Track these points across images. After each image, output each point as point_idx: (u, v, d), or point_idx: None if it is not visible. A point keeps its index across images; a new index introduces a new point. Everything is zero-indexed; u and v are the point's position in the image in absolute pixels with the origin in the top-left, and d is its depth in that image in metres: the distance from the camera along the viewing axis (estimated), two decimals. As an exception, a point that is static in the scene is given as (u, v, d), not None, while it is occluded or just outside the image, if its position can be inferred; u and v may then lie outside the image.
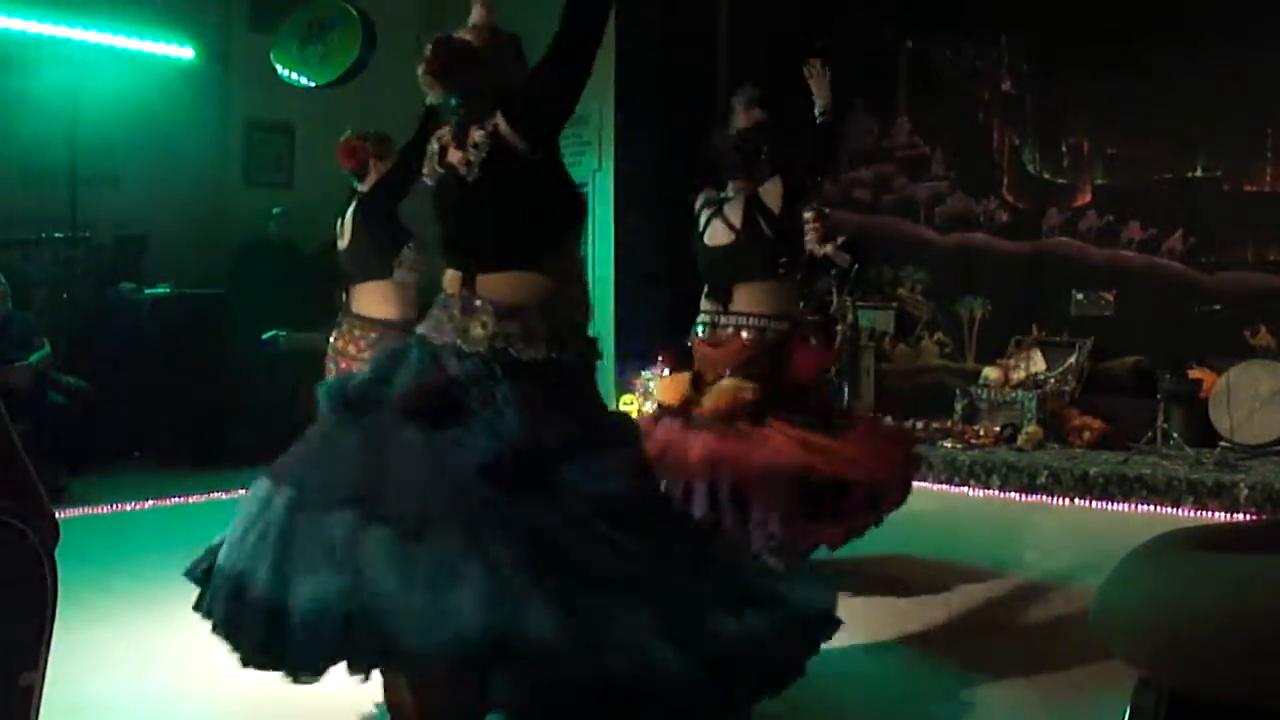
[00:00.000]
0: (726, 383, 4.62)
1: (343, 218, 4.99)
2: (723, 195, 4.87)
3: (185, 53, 8.69)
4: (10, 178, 7.84)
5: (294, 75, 5.45)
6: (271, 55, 5.52)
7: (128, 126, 8.24)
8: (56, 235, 7.82)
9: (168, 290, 8.07)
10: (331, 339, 4.94)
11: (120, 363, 7.52)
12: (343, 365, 4.75)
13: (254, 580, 2.80)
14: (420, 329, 3.09)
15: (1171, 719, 0.94)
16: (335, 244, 5.08)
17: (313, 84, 5.44)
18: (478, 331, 2.91)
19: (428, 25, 9.51)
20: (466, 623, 2.53)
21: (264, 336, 7.97)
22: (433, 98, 3.10)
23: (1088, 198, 8.96)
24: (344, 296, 4.99)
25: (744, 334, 4.69)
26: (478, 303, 2.95)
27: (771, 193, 4.71)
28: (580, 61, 2.97)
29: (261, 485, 3.06)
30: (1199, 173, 8.43)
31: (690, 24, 9.72)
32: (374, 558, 2.64)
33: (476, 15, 3.16)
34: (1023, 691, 3.61)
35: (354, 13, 5.35)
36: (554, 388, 2.94)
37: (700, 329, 4.84)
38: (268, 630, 2.76)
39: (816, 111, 4.82)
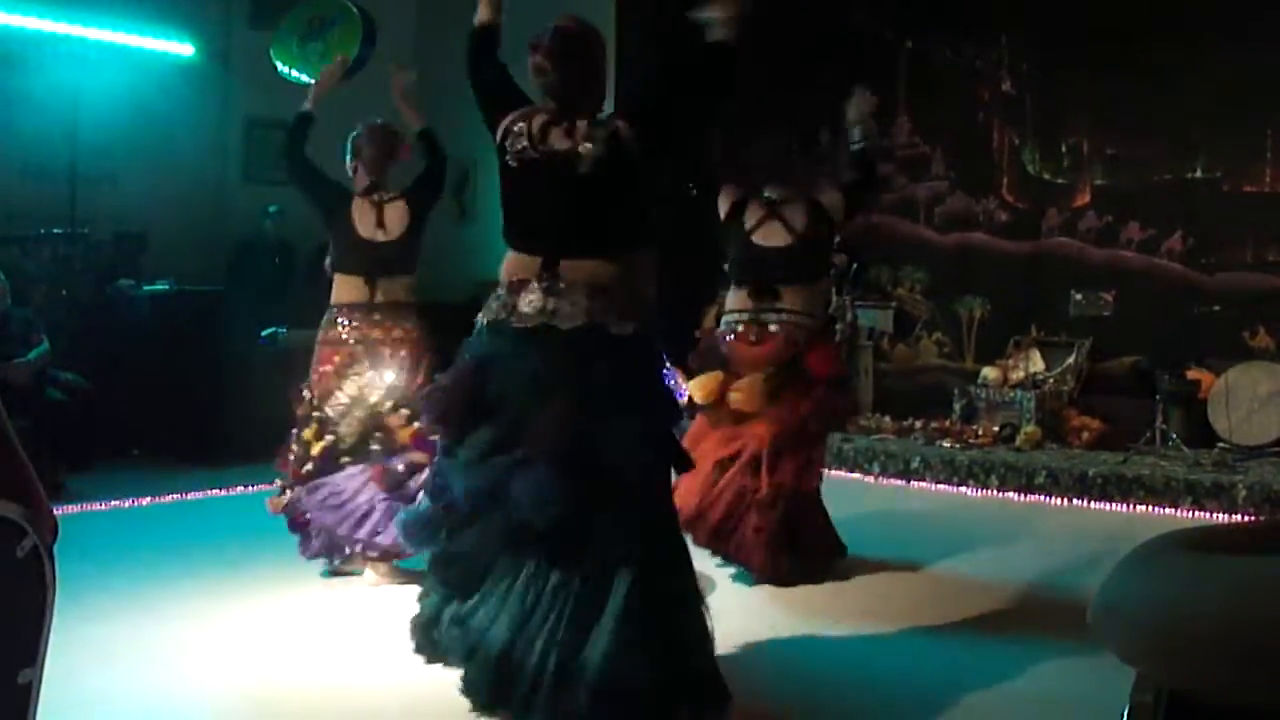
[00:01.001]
0: (750, 381, 4.68)
1: (377, 207, 4.92)
2: (769, 195, 4.90)
3: (185, 50, 8.69)
4: (10, 174, 7.84)
5: (294, 73, 5.45)
6: (271, 53, 5.53)
7: (127, 123, 8.24)
8: (56, 231, 7.83)
9: (167, 287, 8.07)
10: (360, 331, 4.88)
11: (119, 360, 7.52)
12: (385, 351, 4.86)
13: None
14: (487, 315, 3.15)
15: (1171, 719, 0.94)
16: (355, 232, 4.94)
17: (313, 81, 5.44)
18: (568, 309, 3.02)
19: (428, 23, 9.52)
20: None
21: (263, 333, 7.96)
22: (539, 83, 3.19)
23: (1087, 198, 8.95)
24: (370, 289, 4.89)
25: (789, 329, 4.73)
26: (563, 285, 3.04)
27: (832, 202, 4.77)
28: (710, 104, 3.23)
29: None
30: (1198, 173, 8.43)
31: (691, 24, 9.71)
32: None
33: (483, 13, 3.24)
34: (1021, 691, 3.62)
35: (354, 10, 5.36)
36: (642, 361, 3.13)
37: (738, 326, 4.83)
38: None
39: (854, 137, 4.94)
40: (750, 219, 4.88)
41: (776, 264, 4.82)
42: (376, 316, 4.88)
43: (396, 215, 4.93)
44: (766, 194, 4.95)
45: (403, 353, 4.86)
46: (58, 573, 1.62)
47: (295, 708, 3.43)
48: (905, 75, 9.71)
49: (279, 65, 5.48)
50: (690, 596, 3.12)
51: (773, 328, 4.75)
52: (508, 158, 3.16)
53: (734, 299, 4.90)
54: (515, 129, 3.15)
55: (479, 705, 3.06)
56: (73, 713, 3.11)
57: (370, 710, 3.42)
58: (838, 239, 6.40)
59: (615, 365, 3.03)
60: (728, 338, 4.86)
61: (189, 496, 6.65)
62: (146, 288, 8.03)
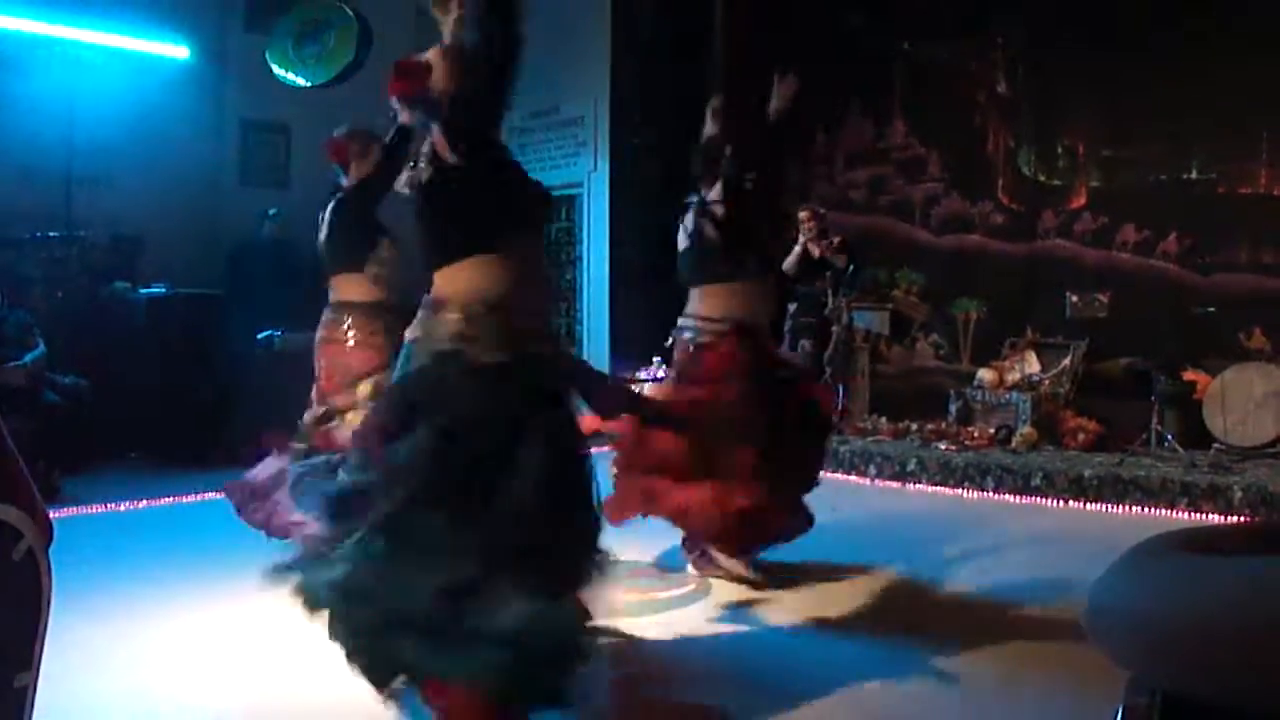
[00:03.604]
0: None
1: (324, 212, 5.08)
2: (691, 199, 4.93)
3: (181, 52, 8.68)
4: (6, 176, 7.83)
5: (289, 75, 5.46)
6: (267, 55, 5.53)
7: (123, 126, 8.23)
8: (52, 234, 7.82)
9: (163, 290, 8.06)
10: (318, 330, 5.04)
11: (115, 362, 7.51)
12: (329, 350, 4.94)
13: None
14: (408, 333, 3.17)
15: (1165, 719, 0.94)
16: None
17: (308, 84, 5.45)
18: (441, 331, 3.01)
19: (424, 26, 9.52)
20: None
21: (259, 336, 7.96)
22: (402, 118, 3.18)
23: (1083, 200, 8.97)
24: (326, 288, 5.09)
25: (685, 335, 4.75)
26: (436, 300, 3.05)
27: (715, 196, 4.77)
28: (496, 40, 3.01)
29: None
30: (1194, 175, 8.44)
31: (685, 25, 9.72)
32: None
33: (446, 35, 3.19)
34: (1017, 692, 3.62)
35: (349, 13, 5.36)
36: (501, 390, 2.99)
37: (676, 334, 4.91)
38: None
39: (770, 111, 4.91)
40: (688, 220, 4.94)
41: (681, 268, 4.91)
42: (326, 316, 5.02)
43: (327, 216, 5.04)
44: (691, 198, 4.97)
45: (330, 350, 4.94)
46: (53, 576, 1.61)
47: (294, 710, 3.43)
48: (901, 77, 9.73)
49: (274, 68, 5.49)
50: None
51: (685, 335, 4.81)
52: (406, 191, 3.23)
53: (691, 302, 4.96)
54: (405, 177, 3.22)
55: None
56: (69, 716, 3.10)
57: (369, 712, 3.41)
58: (833, 240, 6.41)
59: (471, 393, 2.98)
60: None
61: (185, 499, 6.63)
62: (143, 290, 8.03)
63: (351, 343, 4.92)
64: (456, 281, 3.05)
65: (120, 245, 8.24)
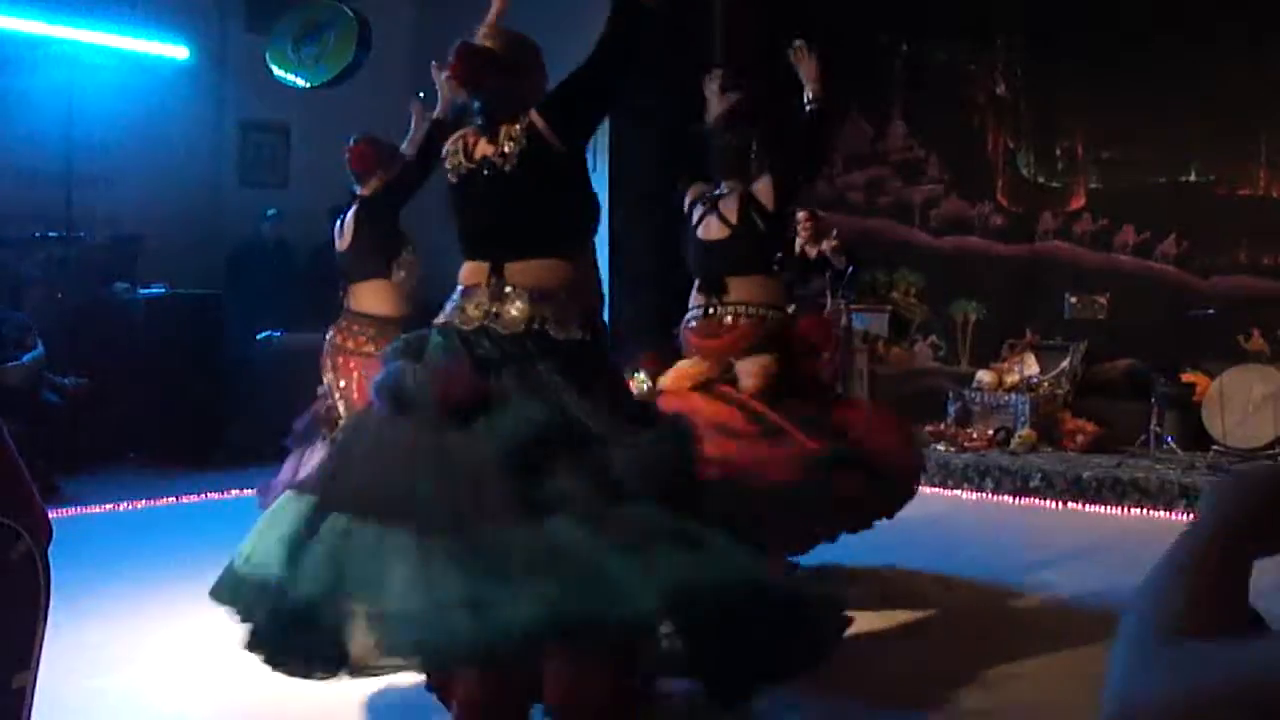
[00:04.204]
0: (753, 361, 4.59)
1: (343, 219, 5.03)
2: (717, 192, 4.89)
3: (181, 53, 8.68)
4: (5, 177, 7.83)
5: (289, 76, 5.45)
6: (267, 56, 5.53)
7: (123, 126, 8.23)
8: (51, 235, 7.82)
9: (162, 290, 8.06)
10: (329, 335, 5.00)
11: (115, 363, 7.51)
12: (340, 360, 4.88)
13: (324, 609, 2.82)
14: (441, 319, 3.15)
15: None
16: (333, 244, 5.13)
17: (308, 85, 5.45)
18: (513, 314, 3.00)
19: (424, 27, 9.52)
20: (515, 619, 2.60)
21: (259, 337, 7.96)
22: (458, 99, 3.21)
23: (1082, 201, 8.97)
24: (342, 295, 5.04)
25: (743, 320, 4.67)
26: (508, 289, 3.03)
27: (764, 190, 4.72)
28: (614, 70, 3.09)
29: (302, 503, 3.03)
30: (1193, 177, 8.45)
31: (686, 23, 9.72)
32: (436, 569, 2.69)
33: (489, 18, 3.25)
34: (1016, 692, 3.62)
35: (349, 14, 5.36)
36: (588, 368, 3.05)
37: (692, 322, 4.82)
38: (336, 649, 2.85)
39: (805, 98, 4.80)
40: (695, 215, 4.91)
41: (717, 257, 4.84)
42: (342, 323, 4.97)
43: (349, 223, 5.00)
44: (716, 190, 4.95)
45: (353, 363, 4.87)
46: (52, 576, 1.62)
47: (293, 709, 3.43)
48: (900, 79, 9.73)
49: (274, 69, 5.49)
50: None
51: (728, 318, 4.75)
52: (448, 175, 3.22)
53: (692, 295, 4.91)
54: (449, 149, 3.23)
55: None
56: (67, 716, 3.10)
57: (368, 711, 3.41)
58: (832, 242, 6.40)
59: (558, 369, 2.98)
60: (686, 332, 4.86)
61: (184, 500, 6.64)
62: (142, 291, 8.02)
63: (380, 355, 4.86)
64: (541, 268, 3.07)
65: (120, 245, 8.23)
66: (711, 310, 4.72)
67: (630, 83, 3.17)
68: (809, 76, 4.77)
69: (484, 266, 3.10)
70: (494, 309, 3.02)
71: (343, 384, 4.87)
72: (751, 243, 4.73)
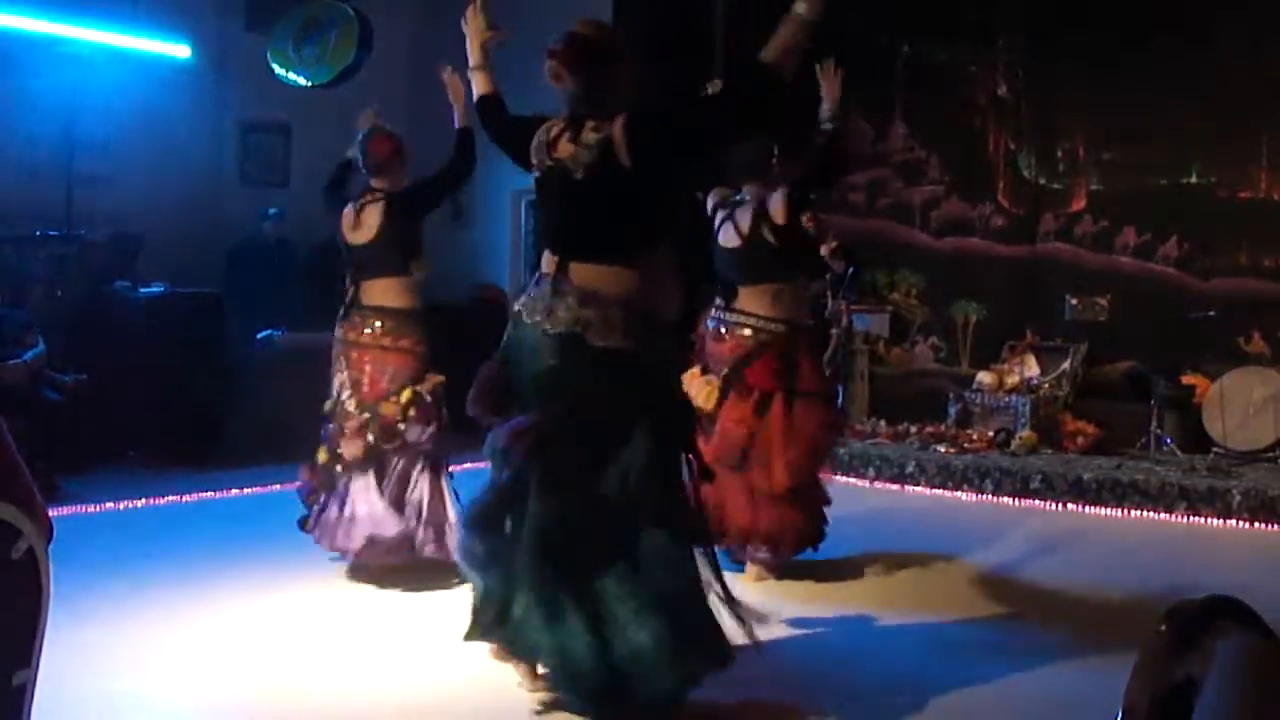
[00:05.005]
0: (703, 381, 4.76)
1: (356, 210, 4.92)
2: (737, 198, 4.98)
3: (181, 52, 8.68)
4: (6, 175, 7.84)
5: (290, 75, 5.45)
6: (268, 55, 5.53)
7: (124, 125, 8.24)
8: (52, 233, 7.82)
9: (163, 289, 8.05)
10: (338, 333, 4.94)
11: (115, 361, 7.50)
12: (354, 355, 4.86)
13: None
14: (518, 305, 3.32)
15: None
16: (340, 238, 5.00)
17: (309, 84, 5.44)
18: (560, 314, 3.14)
19: (424, 27, 9.52)
20: None
21: (259, 336, 7.96)
22: (558, 88, 3.28)
23: (1083, 203, 8.97)
24: (353, 289, 4.93)
25: (745, 331, 4.83)
26: (565, 287, 3.17)
27: (777, 205, 4.81)
28: (716, 121, 3.23)
29: None
30: (1194, 179, 8.45)
31: (686, 25, 9.72)
32: None
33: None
34: (1015, 692, 3.62)
35: (351, 13, 5.36)
36: (620, 377, 3.16)
37: (709, 324, 4.98)
38: None
39: (823, 114, 4.84)
40: (717, 221, 5.01)
41: (730, 265, 4.97)
42: (355, 318, 4.89)
43: (372, 216, 4.89)
44: (736, 196, 5.03)
45: (366, 356, 4.84)
46: (52, 574, 1.61)
47: (292, 710, 3.43)
48: (901, 79, 9.72)
49: (275, 68, 5.48)
50: (685, 565, 3.24)
51: (736, 330, 4.89)
52: (534, 168, 3.33)
53: (717, 299, 5.06)
54: (537, 141, 3.32)
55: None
56: (67, 714, 3.10)
57: (366, 712, 3.41)
58: (832, 243, 6.45)
59: (592, 376, 3.14)
60: (705, 333, 5.01)
61: (185, 498, 6.63)
62: (142, 289, 8.02)
63: (394, 348, 4.84)
64: (596, 272, 3.18)
65: (120, 244, 8.22)
66: (722, 317, 4.91)
67: (732, 142, 3.41)
68: (830, 93, 4.83)
69: (554, 260, 3.24)
70: (550, 305, 3.16)
71: (355, 378, 4.83)
72: (760, 256, 4.87)
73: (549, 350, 3.15)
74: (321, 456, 4.86)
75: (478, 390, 3.31)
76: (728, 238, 4.95)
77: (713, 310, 5.02)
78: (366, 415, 4.76)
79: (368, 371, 4.82)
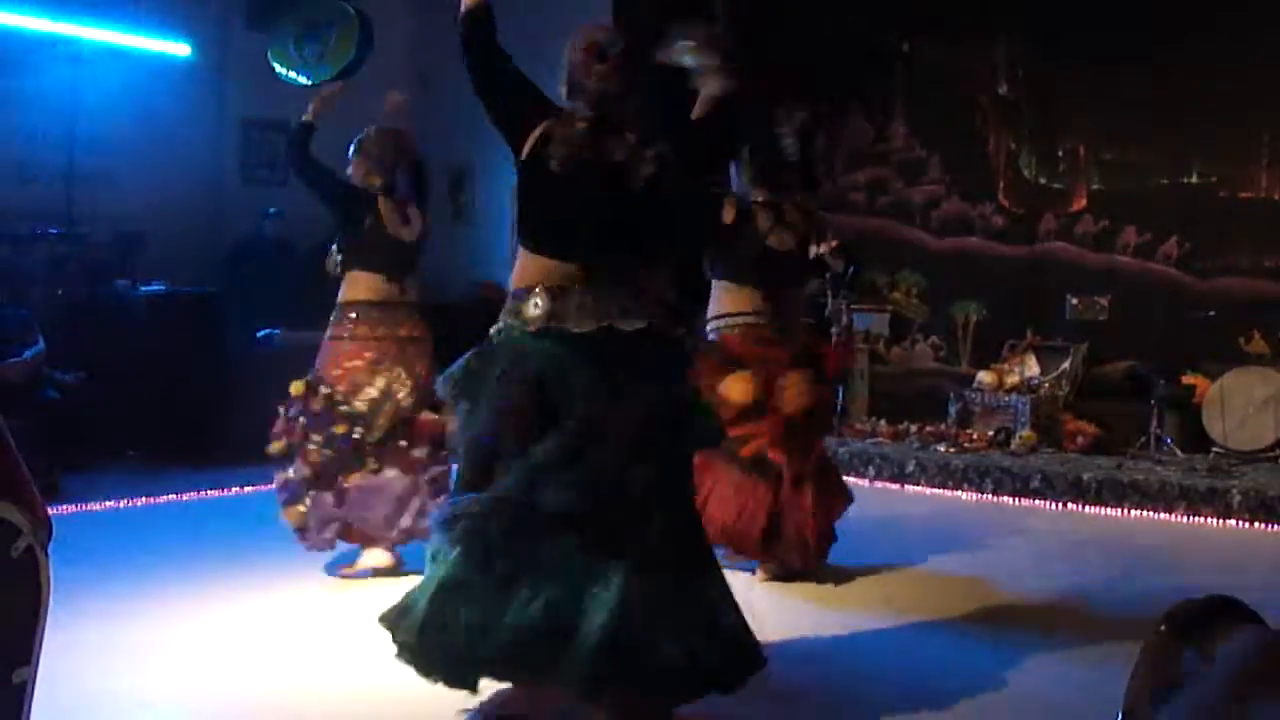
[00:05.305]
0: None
1: (404, 208, 5.01)
2: (774, 199, 5.04)
3: (182, 50, 8.68)
4: (7, 173, 7.83)
5: (291, 74, 5.44)
6: (269, 54, 5.52)
7: (124, 124, 8.23)
8: (52, 231, 7.82)
9: (163, 287, 8.05)
10: (380, 329, 4.95)
11: (115, 360, 7.50)
12: (410, 350, 4.94)
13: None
14: (536, 317, 3.14)
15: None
16: (384, 232, 4.99)
17: (310, 83, 5.43)
18: (632, 308, 3.11)
19: (424, 27, 9.51)
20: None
21: (259, 335, 7.96)
22: (586, 84, 3.21)
23: (1083, 203, 8.98)
24: (396, 286, 4.96)
25: (725, 333, 4.92)
26: (607, 290, 3.10)
27: (728, 208, 4.95)
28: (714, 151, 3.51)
29: None
30: (1195, 179, 8.46)
31: (686, 27, 9.71)
32: None
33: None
34: (1015, 692, 3.62)
35: (351, 12, 5.35)
36: (681, 364, 3.30)
37: (738, 326, 5.00)
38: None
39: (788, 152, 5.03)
40: (763, 223, 5.00)
41: (785, 267, 5.04)
42: (401, 314, 4.97)
43: (417, 215, 5.06)
44: (769, 198, 5.05)
45: (421, 350, 4.96)
46: (52, 573, 1.62)
47: (291, 709, 3.43)
48: (901, 79, 9.73)
49: (276, 67, 5.48)
50: (710, 567, 3.25)
51: (716, 331, 5.00)
52: (551, 163, 3.12)
53: (738, 299, 5.00)
54: (558, 136, 3.14)
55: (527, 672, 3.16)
56: (67, 712, 3.10)
57: (366, 711, 3.42)
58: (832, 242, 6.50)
59: (666, 366, 3.22)
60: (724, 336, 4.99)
61: (185, 497, 6.64)
62: (143, 288, 8.02)
63: (431, 346, 4.97)
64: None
65: (121, 243, 8.23)
66: (730, 320, 5.02)
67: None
68: (852, 139, 5.09)
69: (573, 266, 3.12)
70: (623, 305, 3.10)
71: (412, 373, 4.88)
72: (773, 258, 4.93)
73: (622, 348, 3.08)
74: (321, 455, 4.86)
75: (505, 420, 3.10)
76: (784, 241, 5.00)
77: (739, 312, 5.00)
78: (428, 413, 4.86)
79: (424, 368, 4.87)
